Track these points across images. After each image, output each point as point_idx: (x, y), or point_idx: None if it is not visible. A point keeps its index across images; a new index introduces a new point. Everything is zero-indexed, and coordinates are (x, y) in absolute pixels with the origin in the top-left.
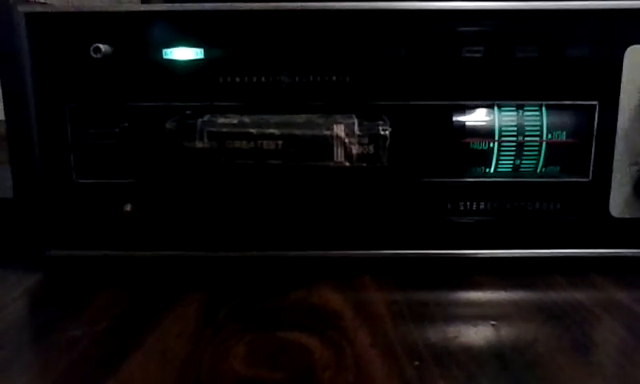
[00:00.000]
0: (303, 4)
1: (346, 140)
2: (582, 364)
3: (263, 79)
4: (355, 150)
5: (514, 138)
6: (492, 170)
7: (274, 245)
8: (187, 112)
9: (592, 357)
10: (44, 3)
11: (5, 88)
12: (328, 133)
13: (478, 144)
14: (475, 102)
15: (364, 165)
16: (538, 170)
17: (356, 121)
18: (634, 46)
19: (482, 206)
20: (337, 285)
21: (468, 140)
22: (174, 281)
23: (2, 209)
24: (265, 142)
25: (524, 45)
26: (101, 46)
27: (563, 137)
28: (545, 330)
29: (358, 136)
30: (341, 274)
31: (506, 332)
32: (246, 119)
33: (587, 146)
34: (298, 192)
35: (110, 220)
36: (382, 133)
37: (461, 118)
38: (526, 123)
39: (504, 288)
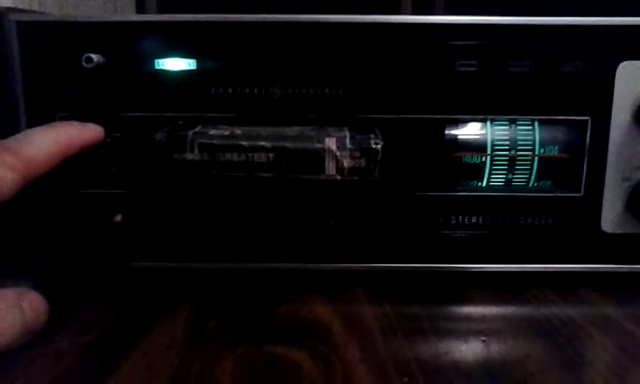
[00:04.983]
0: (296, 16)
1: (338, 153)
2: (572, 382)
3: (256, 91)
4: (347, 163)
5: (507, 153)
6: (484, 184)
7: (265, 257)
8: (179, 123)
9: (583, 375)
10: (35, 12)
11: None
12: (319, 146)
13: (470, 158)
14: (468, 116)
15: (355, 178)
16: (530, 185)
17: (348, 134)
18: (626, 61)
19: (473, 220)
20: (327, 298)
21: (460, 154)
22: (164, 292)
23: None
24: (256, 155)
25: (517, 60)
26: (93, 55)
27: (555, 152)
28: (535, 346)
29: (350, 149)
30: (332, 287)
31: (497, 348)
32: (238, 131)
33: (579, 161)
34: (289, 205)
35: (100, 230)
36: (374, 146)
37: (453, 132)
38: (518, 138)
39: (495, 303)
